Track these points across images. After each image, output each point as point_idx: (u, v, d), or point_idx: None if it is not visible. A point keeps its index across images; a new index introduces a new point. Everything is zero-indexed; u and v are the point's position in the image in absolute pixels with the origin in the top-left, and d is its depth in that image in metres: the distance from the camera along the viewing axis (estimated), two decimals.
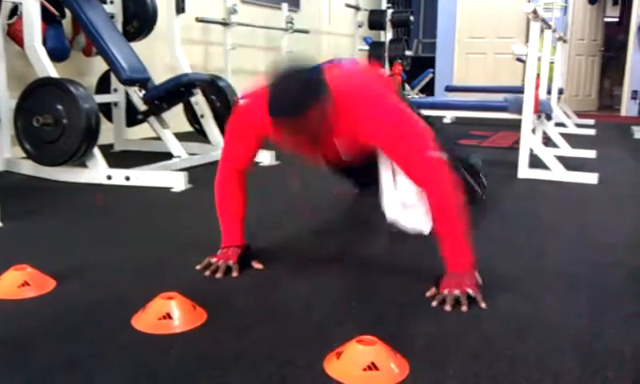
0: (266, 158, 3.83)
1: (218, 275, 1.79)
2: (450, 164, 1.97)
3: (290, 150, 1.82)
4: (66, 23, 3.88)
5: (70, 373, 1.24)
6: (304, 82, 1.61)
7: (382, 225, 2.49)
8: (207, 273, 1.81)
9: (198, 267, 1.85)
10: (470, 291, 1.59)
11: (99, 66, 4.09)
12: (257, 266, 1.88)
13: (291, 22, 6.32)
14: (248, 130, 1.85)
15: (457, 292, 1.59)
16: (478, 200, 2.67)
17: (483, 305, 1.58)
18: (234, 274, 1.81)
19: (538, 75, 3.59)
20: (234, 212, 1.92)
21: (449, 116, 6.53)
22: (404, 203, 2.01)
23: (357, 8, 7.58)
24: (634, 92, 8.37)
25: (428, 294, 1.65)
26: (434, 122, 2.46)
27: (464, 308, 1.56)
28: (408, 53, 7.75)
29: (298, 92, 1.59)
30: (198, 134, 4.26)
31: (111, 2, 4.03)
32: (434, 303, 1.60)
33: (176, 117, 4.25)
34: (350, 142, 1.87)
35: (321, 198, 2.92)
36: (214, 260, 1.85)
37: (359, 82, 1.88)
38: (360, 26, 7.61)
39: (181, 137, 3.91)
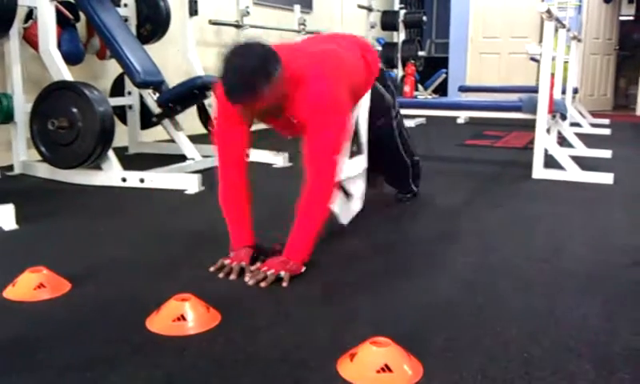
0: (278, 160, 3.84)
1: (232, 277, 1.79)
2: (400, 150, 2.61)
3: (250, 122, 1.93)
4: (81, 26, 3.92)
5: (83, 374, 1.24)
6: (252, 66, 1.70)
7: (390, 226, 2.49)
8: (221, 275, 1.82)
9: (211, 269, 1.85)
10: (282, 273, 1.75)
11: (113, 69, 4.12)
12: None
13: (304, 24, 6.33)
14: (230, 114, 1.88)
15: (276, 272, 1.75)
16: (410, 194, 2.87)
17: (285, 284, 1.73)
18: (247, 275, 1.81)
19: (553, 75, 3.56)
20: (240, 213, 1.94)
21: (462, 116, 6.51)
22: (349, 195, 2.31)
23: (369, 9, 7.56)
24: None
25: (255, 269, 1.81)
26: (394, 91, 2.59)
27: (285, 284, 1.72)
28: (421, 53, 7.72)
29: (245, 77, 1.69)
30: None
31: (125, 5, 4.06)
32: (251, 282, 1.74)
33: (190, 119, 4.27)
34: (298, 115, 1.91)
35: None
36: (227, 261, 1.86)
37: (309, 61, 1.93)
38: (373, 27, 7.60)
39: (194, 139, 3.93)
